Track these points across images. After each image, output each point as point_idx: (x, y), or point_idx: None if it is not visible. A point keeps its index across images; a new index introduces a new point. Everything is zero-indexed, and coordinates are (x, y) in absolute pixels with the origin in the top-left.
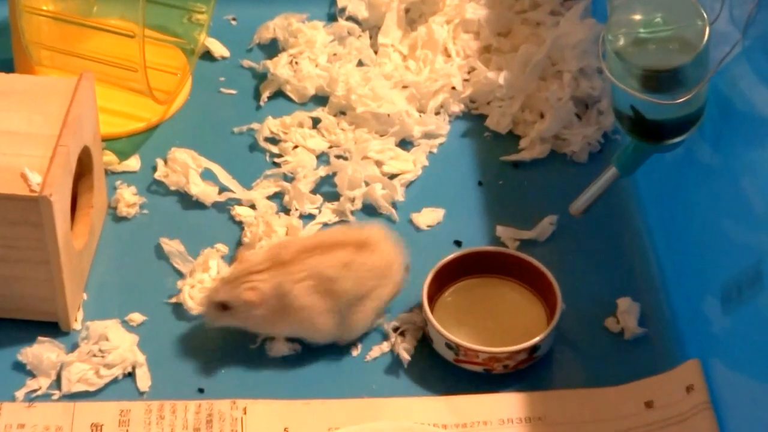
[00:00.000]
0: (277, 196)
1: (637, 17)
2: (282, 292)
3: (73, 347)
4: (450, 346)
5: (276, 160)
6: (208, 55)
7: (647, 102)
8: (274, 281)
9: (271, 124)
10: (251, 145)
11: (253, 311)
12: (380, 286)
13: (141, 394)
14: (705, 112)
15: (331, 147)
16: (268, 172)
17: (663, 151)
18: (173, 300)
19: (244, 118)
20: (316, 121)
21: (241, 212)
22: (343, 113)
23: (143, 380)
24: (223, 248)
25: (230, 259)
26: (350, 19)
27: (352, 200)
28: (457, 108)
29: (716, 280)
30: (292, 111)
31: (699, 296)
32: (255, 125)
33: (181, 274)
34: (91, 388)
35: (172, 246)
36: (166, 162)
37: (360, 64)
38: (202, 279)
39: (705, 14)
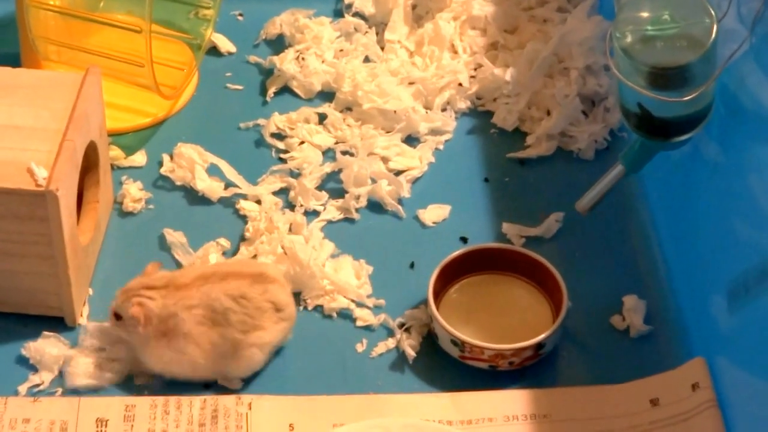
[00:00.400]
0: (282, 192)
1: (645, 14)
2: (169, 313)
3: (77, 343)
4: (455, 342)
5: (282, 156)
6: (214, 51)
7: (654, 99)
8: (163, 301)
9: (277, 120)
10: (257, 141)
11: (138, 328)
12: (274, 324)
13: (143, 389)
14: (712, 109)
15: (337, 143)
16: (274, 168)
17: (670, 149)
18: None
19: (250, 114)
20: (322, 117)
21: (246, 207)
22: (349, 109)
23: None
24: (225, 243)
25: (231, 254)
26: (357, 15)
27: (358, 197)
28: (463, 105)
29: (723, 278)
30: (299, 107)
31: (705, 294)
32: (261, 121)
33: (180, 266)
34: (94, 384)
35: (174, 237)
36: (172, 157)
37: (366, 60)
38: None
39: (713, 11)
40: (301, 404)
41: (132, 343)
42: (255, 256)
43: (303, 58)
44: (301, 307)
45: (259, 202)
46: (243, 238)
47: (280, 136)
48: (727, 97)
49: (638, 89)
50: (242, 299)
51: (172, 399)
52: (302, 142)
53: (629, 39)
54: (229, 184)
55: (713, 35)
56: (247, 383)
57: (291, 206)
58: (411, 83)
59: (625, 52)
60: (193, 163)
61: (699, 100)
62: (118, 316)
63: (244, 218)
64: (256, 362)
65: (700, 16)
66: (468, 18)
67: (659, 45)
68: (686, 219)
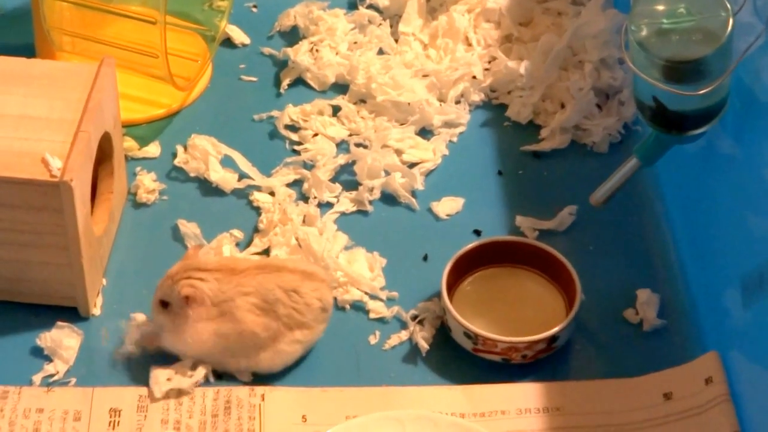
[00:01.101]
0: (296, 184)
1: (661, 8)
2: (225, 298)
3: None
4: (468, 335)
5: (296, 147)
6: (228, 42)
7: (669, 93)
8: (219, 286)
9: (291, 112)
10: (271, 133)
11: (187, 311)
12: (319, 323)
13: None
14: (727, 103)
15: (350, 135)
16: (288, 160)
17: (685, 142)
18: None
19: (264, 106)
20: (336, 109)
21: (259, 198)
22: (363, 101)
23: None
24: (238, 234)
25: (245, 245)
26: (371, 7)
27: (371, 189)
28: (477, 97)
29: (736, 272)
30: (312, 99)
31: (719, 288)
32: (275, 113)
33: None
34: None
35: (188, 228)
36: (186, 148)
37: (380, 52)
38: None
39: (728, 5)
40: (314, 396)
41: (173, 328)
42: (269, 248)
43: (317, 50)
44: None
45: (272, 193)
46: (256, 230)
47: (293, 128)
48: (742, 90)
49: (653, 82)
50: (294, 293)
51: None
52: (316, 134)
53: (645, 32)
54: (242, 176)
55: (729, 29)
56: (259, 374)
57: (304, 198)
58: (425, 76)
59: (641, 45)
60: (206, 155)
61: (714, 93)
62: (164, 304)
63: (257, 209)
64: (293, 359)
65: (715, 10)
66: (482, 10)
67: (674, 38)
68: (700, 212)
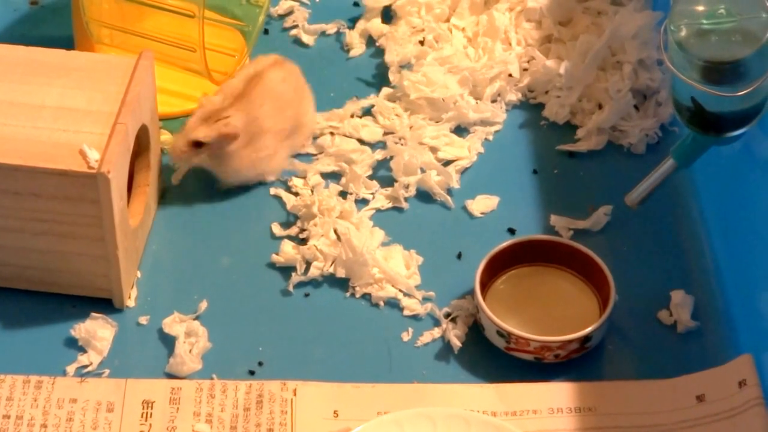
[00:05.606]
0: (334, 178)
1: (700, 8)
2: (249, 119)
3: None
4: (501, 333)
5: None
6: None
7: (708, 94)
8: (241, 113)
9: (321, 119)
10: None
11: (225, 146)
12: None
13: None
14: (766, 105)
15: (385, 134)
16: (324, 152)
17: (722, 144)
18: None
19: None
20: (366, 110)
21: (297, 184)
22: (398, 98)
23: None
24: (275, 225)
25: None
26: None
27: (407, 186)
28: (514, 97)
29: None
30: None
31: (754, 290)
32: None
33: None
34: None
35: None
36: None
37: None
38: None
39: None
40: (345, 391)
41: (212, 163)
42: (306, 239)
43: None
44: (349, 294)
45: (309, 184)
46: (295, 217)
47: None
48: None
49: (692, 83)
50: (284, 82)
51: (218, 383)
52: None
53: (684, 32)
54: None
55: None
56: (293, 369)
57: (341, 193)
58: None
59: (680, 45)
60: None
61: (753, 95)
62: (198, 144)
63: (296, 195)
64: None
65: (756, 11)
66: (523, 9)
67: (714, 39)
68: (736, 214)
